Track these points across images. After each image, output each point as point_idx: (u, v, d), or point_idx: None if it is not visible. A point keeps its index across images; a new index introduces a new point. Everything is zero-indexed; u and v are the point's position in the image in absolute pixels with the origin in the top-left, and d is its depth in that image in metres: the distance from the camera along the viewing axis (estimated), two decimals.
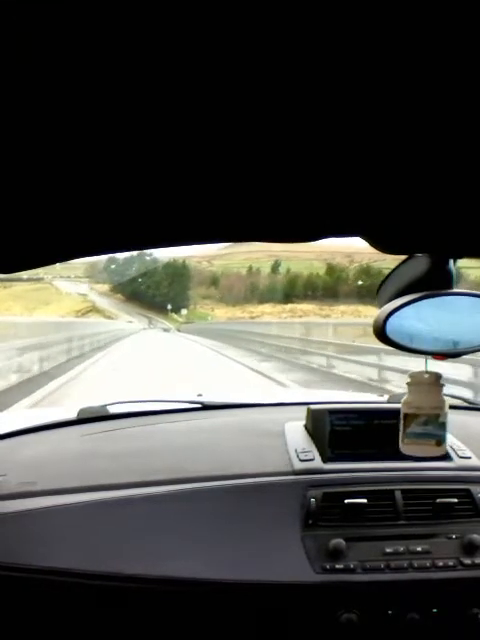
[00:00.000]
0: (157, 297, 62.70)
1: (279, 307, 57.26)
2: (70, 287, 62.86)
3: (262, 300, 61.53)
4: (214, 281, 70.45)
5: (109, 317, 52.90)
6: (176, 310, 60.57)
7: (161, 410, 1.29)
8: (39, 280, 50.22)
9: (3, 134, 0.29)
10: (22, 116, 0.27)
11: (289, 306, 57.14)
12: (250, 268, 68.75)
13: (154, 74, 0.25)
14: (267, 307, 58.13)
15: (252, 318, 48.54)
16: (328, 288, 59.59)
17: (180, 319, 55.84)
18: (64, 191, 0.36)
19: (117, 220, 0.43)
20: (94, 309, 56.59)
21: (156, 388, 5.40)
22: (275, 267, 68.24)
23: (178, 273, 63.83)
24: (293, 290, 62.74)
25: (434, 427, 0.83)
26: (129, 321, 49.20)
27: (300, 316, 47.85)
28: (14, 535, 0.89)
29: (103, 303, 61.87)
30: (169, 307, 58.49)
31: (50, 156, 0.32)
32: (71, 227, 0.43)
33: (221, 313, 60.02)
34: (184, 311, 59.93)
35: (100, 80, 0.25)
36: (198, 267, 70.78)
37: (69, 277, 63.47)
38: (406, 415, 0.84)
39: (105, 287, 67.24)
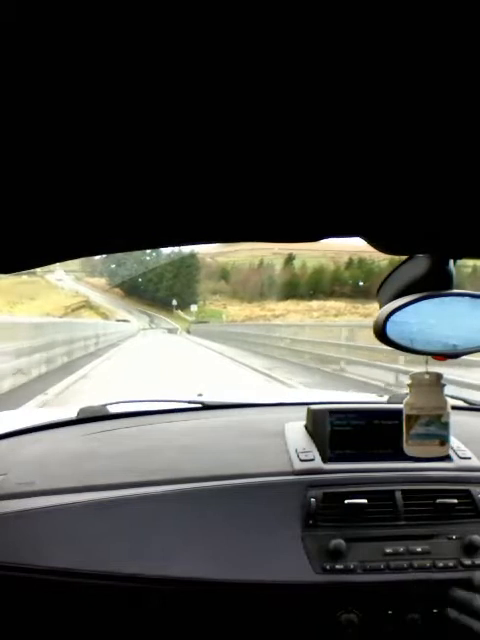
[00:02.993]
0: (160, 291, 60.19)
1: (304, 304, 55.04)
2: (62, 281, 61.61)
3: (281, 296, 60.28)
4: (224, 274, 67.80)
5: (104, 314, 50.55)
6: (183, 306, 57.82)
7: (161, 410, 1.40)
8: (31, 273, 49.78)
9: (3, 134, 0.31)
10: (23, 116, 0.29)
11: (316, 303, 54.99)
12: (261, 262, 67.18)
13: (155, 75, 0.26)
14: (290, 304, 55.78)
15: (275, 317, 46.76)
16: (357, 283, 58.18)
17: (189, 317, 53.24)
18: (64, 191, 0.39)
19: (117, 220, 0.47)
20: (87, 305, 54.80)
21: None
22: (289, 261, 66.56)
23: (185, 264, 60.88)
24: (317, 285, 61.17)
25: (437, 427, 0.91)
26: (122, 319, 43.35)
27: (335, 315, 46.49)
28: (14, 535, 0.97)
29: (98, 299, 59.96)
30: (174, 303, 56.26)
31: (50, 156, 0.34)
32: (71, 227, 0.47)
33: (235, 311, 57.78)
34: (194, 308, 57.03)
35: (101, 81, 0.27)
36: (202, 261, 68.89)
37: (64, 271, 62.84)
38: (408, 416, 0.91)
39: (102, 281, 65.72)
